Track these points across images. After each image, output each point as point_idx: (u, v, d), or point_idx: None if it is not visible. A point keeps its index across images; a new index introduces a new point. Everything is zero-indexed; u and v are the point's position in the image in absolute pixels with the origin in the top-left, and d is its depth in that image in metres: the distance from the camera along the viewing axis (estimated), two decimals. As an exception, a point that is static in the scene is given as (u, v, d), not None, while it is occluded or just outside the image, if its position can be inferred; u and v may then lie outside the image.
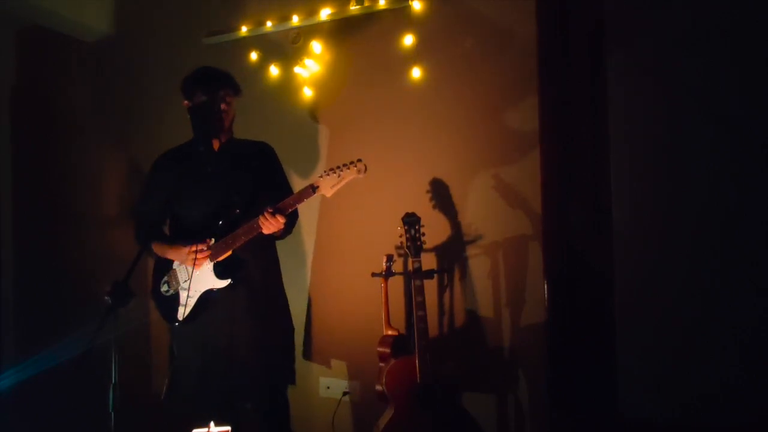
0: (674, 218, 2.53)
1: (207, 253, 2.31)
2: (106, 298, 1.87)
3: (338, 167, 2.15)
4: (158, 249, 2.44)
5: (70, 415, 3.17)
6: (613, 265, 2.56)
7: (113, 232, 3.59)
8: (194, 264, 2.31)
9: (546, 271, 2.56)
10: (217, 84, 2.39)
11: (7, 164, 3.85)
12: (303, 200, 2.21)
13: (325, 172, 2.17)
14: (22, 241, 3.82)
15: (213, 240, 2.32)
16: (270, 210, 2.18)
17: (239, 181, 2.40)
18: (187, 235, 2.36)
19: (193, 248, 2.30)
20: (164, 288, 2.40)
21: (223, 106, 2.39)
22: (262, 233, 2.23)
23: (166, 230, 2.54)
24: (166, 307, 2.39)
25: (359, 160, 2.14)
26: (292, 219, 2.38)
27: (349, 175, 2.14)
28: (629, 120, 2.57)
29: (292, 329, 2.57)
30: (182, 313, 2.33)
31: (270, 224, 2.19)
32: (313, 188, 2.18)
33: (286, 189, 2.48)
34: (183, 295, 2.35)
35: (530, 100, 2.60)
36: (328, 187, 2.16)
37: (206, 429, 1.98)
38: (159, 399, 2.70)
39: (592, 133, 2.61)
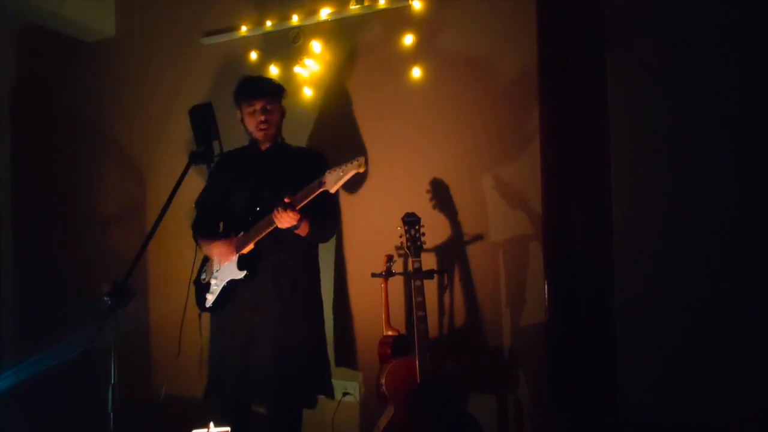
0: (674, 218, 2.53)
1: (228, 255, 2.44)
2: (105, 298, 1.88)
3: (342, 164, 2.21)
4: (201, 242, 2.58)
5: (70, 415, 3.17)
6: (613, 265, 2.56)
7: (113, 232, 3.58)
8: (223, 258, 2.47)
9: (546, 271, 2.56)
10: (257, 95, 2.49)
11: (7, 164, 3.86)
12: (311, 195, 2.26)
13: (330, 168, 2.23)
14: (22, 241, 3.83)
15: (240, 235, 2.44)
16: (284, 202, 2.23)
17: (279, 179, 2.45)
18: (230, 230, 2.50)
19: (218, 243, 2.46)
20: (203, 276, 2.56)
21: (263, 117, 2.48)
22: (279, 228, 2.31)
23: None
24: (199, 294, 2.54)
25: (361, 155, 2.20)
26: (319, 221, 2.43)
27: (351, 170, 2.19)
28: (629, 120, 2.57)
29: (319, 334, 2.59)
30: (210, 300, 2.48)
31: (282, 218, 2.25)
32: (320, 183, 2.23)
33: (327, 195, 2.37)
34: (213, 283, 2.49)
35: (530, 99, 2.60)
36: (332, 183, 2.22)
37: (206, 429, 1.98)
38: (159, 399, 2.71)
39: (592, 133, 2.61)
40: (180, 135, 3.16)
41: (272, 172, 2.51)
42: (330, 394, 2.60)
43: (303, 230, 2.35)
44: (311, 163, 2.50)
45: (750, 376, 2.37)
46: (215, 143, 2.68)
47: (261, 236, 2.36)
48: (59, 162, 3.76)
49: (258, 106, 2.48)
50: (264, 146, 2.57)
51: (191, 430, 1.99)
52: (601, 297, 2.57)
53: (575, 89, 2.61)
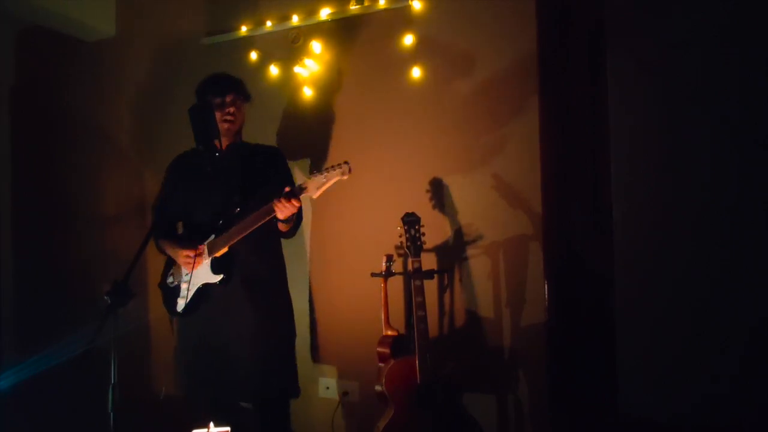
0: (674, 218, 2.53)
1: (199, 259, 2.38)
2: (105, 297, 1.88)
3: (325, 169, 2.18)
4: (165, 246, 2.55)
5: (70, 415, 3.17)
6: (613, 265, 2.56)
7: (113, 232, 3.58)
8: (190, 267, 2.40)
9: (546, 271, 2.56)
10: (228, 88, 2.48)
11: (7, 164, 3.85)
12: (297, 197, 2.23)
13: (312, 173, 2.20)
14: (22, 241, 3.82)
15: (205, 247, 2.39)
16: (287, 190, 2.20)
17: (241, 182, 2.45)
18: (193, 233, 2.47)
19: (185, 253, 2.40)
20: (170, 280, 2.52)
21: (232, 109, 2.47)
22: (275, 218, 2.27)
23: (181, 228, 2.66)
24: (169, 298, 2.50)
25: (345, 162, 2.16)
26: (297, 218, 2.43)
27: (334, 176, 2.15)
28: (629, 120, 2.57)
29: (291, 335, 2.57)
30: (181, 305, 2.43)
31: (285, 207, 2.21)
32: (300, 188, 2.21)
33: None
34: (184, 287, 2.44)
35: (530, 99, 2.60)
36: (314, 189, 2.18)
37: (206, 429, 1.98)
38: (159, 399, 2.71)
39: (592, 133, 2.61)
40: (180, 134, 3.16)
41: (237, 173, 2.48)
42: (295, 393, 2.54)
43: (290, 222, 2.37)
44: (275, 160, 2.55)
45: (750, 376, 2.37)
46: (215, 142, 2.68)
47: (242, 235, 2.33)
48: (59, 162, 3.76)
49: (228, 99, 2.47)
50: (224, 145, 2.50)
51: (191, 430, 1.99)
52: (601, 297, 2.57)
53: (575, 89, 2.61)
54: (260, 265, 2.47)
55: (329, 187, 2.18)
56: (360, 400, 2.88)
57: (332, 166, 2.17)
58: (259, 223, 2.30)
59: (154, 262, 3.34)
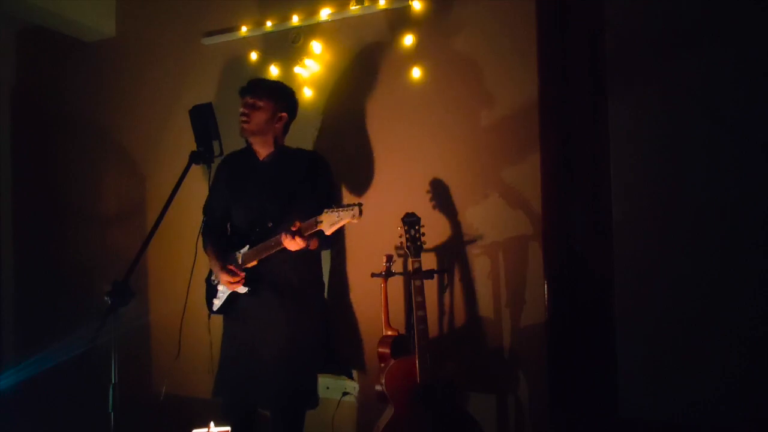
0: (674, 218, 2.53)
1: (237, 283, 2.45)
2: (106, 298, 1.88)
3: (338, 208, 2.22)
4: (209, 255, 2.59)
5: (70, 415, 3.18)
6: (613, 265, 2.56)
7: (113, 231, 3.59)
8: (229, 287, 2.49)
9: (546, 271, 2.55)
10: (246, 90, 2.55)
11: (7, 164, 3.86)
12: (311, 230, 2.27)
13: (328, 209, 2.23)
14: (22, 241, 3.83)
15: (240, 256, 2.47)
16: (293, 228, 2.26)
17: (279, 192, 2.50)
18: (235, 239, 2.56)
19: (226, 278, 2.44)
20: (213, 278, 2.60)
21: (243, 110, 2.52)
22: (286, 249, 2.33)
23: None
24: (209, 295, 2.61)
25: (357, 204, 2.19)
26: (331, 236, 2.42)
27: (346, 217, 2.19)
28: (629, 120, 2.57)
29: (319, 343, 2.59)
30: (216, 305, 2.56)
31: (289, 243, 2.29)
32: (316, 222, 2.25)
33: (333, 199, 2.53)
34: (220, 288, 2.54)
35: (530, 99, 2.60)
36: (328, 225, 2.22)
37: (206, 429, 1.99)
38: (159, 399, 2.72)
39: (592, 133, 2.61)
40: (180, 135, 3.16)
41: (273, 184, 2.52)
42: (313, 404, 2.59)
43: (312, 245, 2.40)
44: (314, 170, 2.56)
45: (750, 376, 2.37)
46: (215, 143, 2.69)
47: (268, 254, 2.38)
48: (59, 162, 3.77)
49: (242, 101, 2.54)
50: (262, 154, 2.58)
51: (191, 430, 1.99)
52: (601, 297, 2.57)
53: (575, 89, 2.61)
54: (292, 273, 2.50)
55: (341, 226, 2.22)
56: (360, 399, 2.88)
57: (344, 207, 2.20)
58: (271, 252, 2.36)
59: (155, 263, 3.36)
